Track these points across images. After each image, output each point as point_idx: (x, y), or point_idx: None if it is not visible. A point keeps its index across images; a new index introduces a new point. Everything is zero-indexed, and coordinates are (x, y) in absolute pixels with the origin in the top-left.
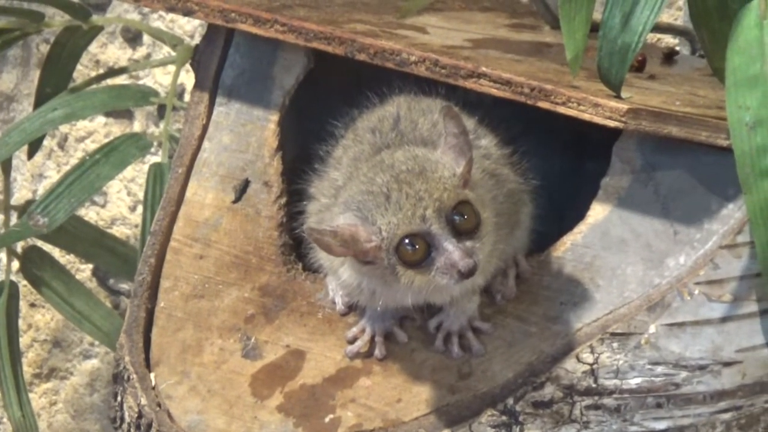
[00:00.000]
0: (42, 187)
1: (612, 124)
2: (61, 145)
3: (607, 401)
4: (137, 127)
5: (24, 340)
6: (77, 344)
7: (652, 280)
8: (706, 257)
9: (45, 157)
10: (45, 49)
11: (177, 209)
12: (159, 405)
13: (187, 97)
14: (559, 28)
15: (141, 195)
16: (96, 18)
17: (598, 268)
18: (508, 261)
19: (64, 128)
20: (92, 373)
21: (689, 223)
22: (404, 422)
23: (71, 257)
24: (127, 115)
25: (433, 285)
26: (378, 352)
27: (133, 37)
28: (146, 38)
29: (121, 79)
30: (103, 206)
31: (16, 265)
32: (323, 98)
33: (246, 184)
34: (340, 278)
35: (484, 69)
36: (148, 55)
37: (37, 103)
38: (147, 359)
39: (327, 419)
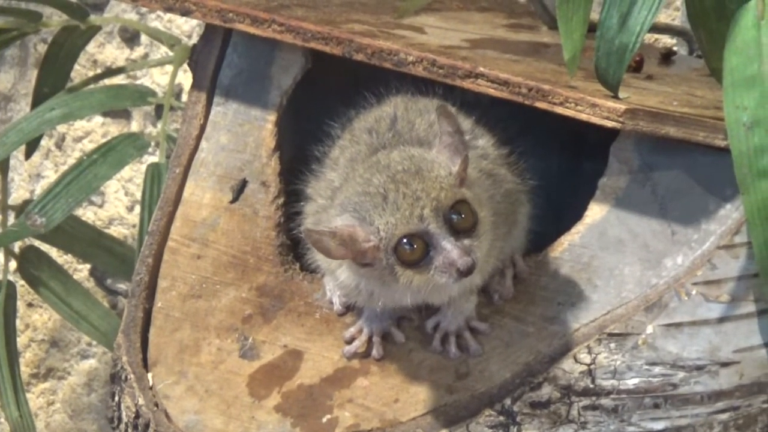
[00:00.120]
0: (39, 187)
1: (609, 124)
2: (59, 145)
3: (605, 401)
4: (135, 127)
5: (21, 340)
6: (75, 344)
7: (649, 281)
8: (703, 257)
9: (42, 157)
10: (42, 48)
11: (174, 209)
12: (156, 405)
13: (184, 97)
14: (556, 28)
15: (138, 195)
16: (94, 18)
17: (595, 269)
18: (506, 261)
19: (61, 128)
20: (90, 373)
21: (687, 224)
22: (402, 422)
23: (69, 257)
24: (124, 115)
25: (431, 284)
26: (375, 352)
27: (130, 37)
28: (144, 38)
29: (119, 79)
30: (100, 206)
31: (13, 264)
32: (321, 98)
33: (243, 184)
34: (338, 279)
35: (481, 69)
36: (146, 55)
37: (35, 103)
38: (144, 359)
39: (324, 419)
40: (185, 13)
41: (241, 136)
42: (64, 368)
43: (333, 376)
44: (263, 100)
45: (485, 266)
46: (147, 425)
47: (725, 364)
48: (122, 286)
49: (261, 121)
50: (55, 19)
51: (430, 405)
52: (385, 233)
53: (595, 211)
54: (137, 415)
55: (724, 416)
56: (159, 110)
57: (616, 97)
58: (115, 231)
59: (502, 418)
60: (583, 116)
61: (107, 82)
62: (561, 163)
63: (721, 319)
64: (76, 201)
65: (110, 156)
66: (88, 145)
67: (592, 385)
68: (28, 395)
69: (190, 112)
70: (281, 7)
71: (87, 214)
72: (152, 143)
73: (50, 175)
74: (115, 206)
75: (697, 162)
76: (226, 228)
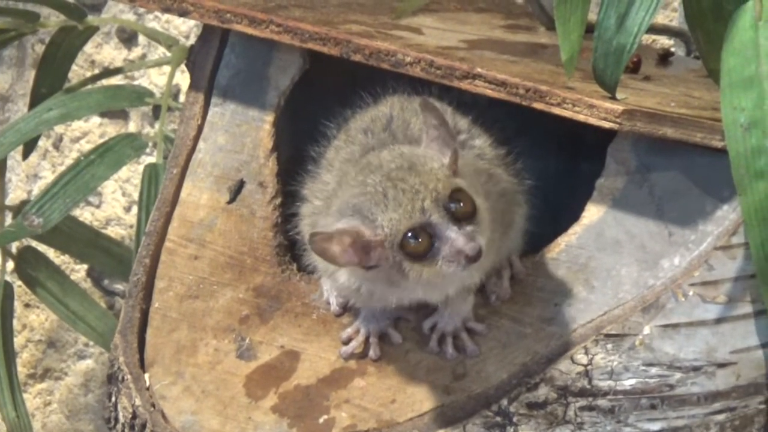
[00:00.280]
0: (37, 188)
1: (607, 125)
2: (56, 146)
3: (602, 402)
4: (132, 127)
5: (18, 341)
6: (72, 345)
7: (646, 282)
8: (700, 258)
9: (40, 157)
10: (40, 49)
11: (172, 210)
12: (153, 405)
13: (182, 98)
14: (554, 29)
15: (136, 195)
16: (91, 18)
17: (592, 270)
18: (503, 262)
19: (59, 128)
20: (87, 374)
21: (684, 225)
22: (398, 423)
23: (66, 258)
24: (122, 115)
25: (441, 276)
26: (372, 353)
27: (128, 38)
28: (141, 39)
29: (117, 80)
30: (98, 207)
31: (10, 265)
32: (318, 99)
33: (241, 184)
34: (337, 281)
35: (479, 70)
36: (144, 56)
37: (33, 104)
38: (141, 360)
39: (321, 420)
40: (183, 13)
41: (238, 136)
42: (61, 369)
43: (330, 377)
44: (261, 101)
45: (485, 262)
46: (144, 426)
47: (722, 365)
48: (119, 287)
49: (258, 122)
50: (53, 19)
51: (427, 406)
52: (389, 229)
53: (592, 212)
54: (134, 416)
55: (720, 417)
56: (156, 111)
57: (613, 98)
58: (113, 231)
59: (498, 418)
60: (581, 117)
61: (105, 82)
62: (558, 164)
63: (718, 320)
64: (73, 201)
65: (108, 156)
66: (86, 146)
67: (588, 386)
68: (25, 396)
69: (188, 113)
70: (279, 7)
71: (84, 214)
72: (150, 144)
73: (47, 176)
74: (113, 207)
75: (695, 163)
76: (224, 229)
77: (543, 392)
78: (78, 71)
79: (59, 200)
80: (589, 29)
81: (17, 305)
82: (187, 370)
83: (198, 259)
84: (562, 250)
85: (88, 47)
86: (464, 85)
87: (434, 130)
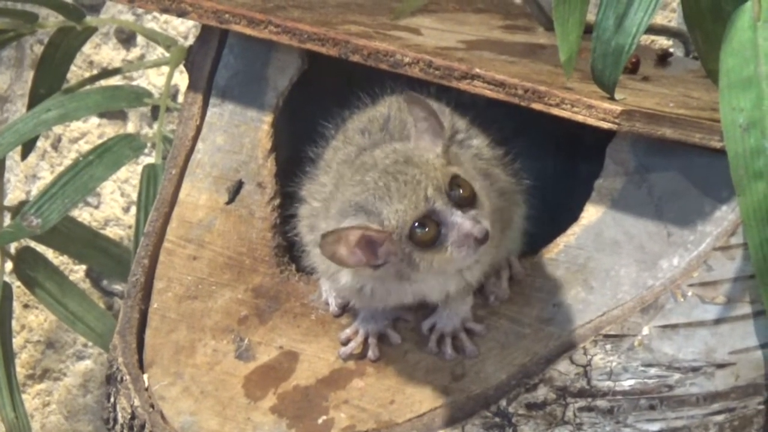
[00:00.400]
0: (35, 188)
1: (606, 125)
2: (55, 146)
3: (600, 403)
4: (131, 128)
5: (17, 341)
6: (70, 345)
7: (645, 282)
8: (699, 259)
9: (38, 158)
10: (39, 49)
11: (170, 210)
12: (152, 406)
13: (180, 98)
14: (552, 29)
15: (134, 196)
16: (90, 19)
17: (591, 270)
18: (502, 262)
19: (57, 129)
20: (85, 374)
21: (683, 225)
22: (397, 424)
23: (65, 258)
24: (120, 116)
25: (452, 262)
26: (371, 353)
27: (126, 38)
28: (140, 39)
29: (115, 80)
30: (96, 207)
31: (9, 266)
32: (317, 99)
33: (239, 185)
34: (338, 282)
35: (477, 70)
36: (142, 56)
37: (31, 104)
38: (140, 360)
39: (320, 420)
40: (181, 14)
41: (237, 137)
42: (60, 369)
43: (329, 378)
44: (259, 101)
45: (486, 257)
46: (142, 426)
47: (721, 366)
48: (118, 287)
49: (257, 122)
50: (52, 20)
51: (426, 406)
52: (396, 221)
53: (591, 213)
54: (133, 417)
55: (719, 418)
56: (155, 111)
57: (612, 98)
58: (111, 232)
59: (497, 419)
60: (580, 117)
61: (103, 83)
62: (557, 165)
63: (717, 321)
64: (72, 202)
65: (106, 157)
66: (84, 146)
67: (587, 387)
68: (24, 396)
69: (186, 113)
70: (277, 8)
71: (83, 215)
72: (148, 144)
73: (46, 176)
74: (111, 207)
75: (693, 163)
76: (222, 229)
77: (542, 393)
78: (76, 72)
79: (58, 201)
80: (588, 30)
81: (16, 306)
82: (186, 370)
83: (197, 259)
84: (560, 250)
85: (87, 48)
86: (463, 85)
87: (423, 122)
